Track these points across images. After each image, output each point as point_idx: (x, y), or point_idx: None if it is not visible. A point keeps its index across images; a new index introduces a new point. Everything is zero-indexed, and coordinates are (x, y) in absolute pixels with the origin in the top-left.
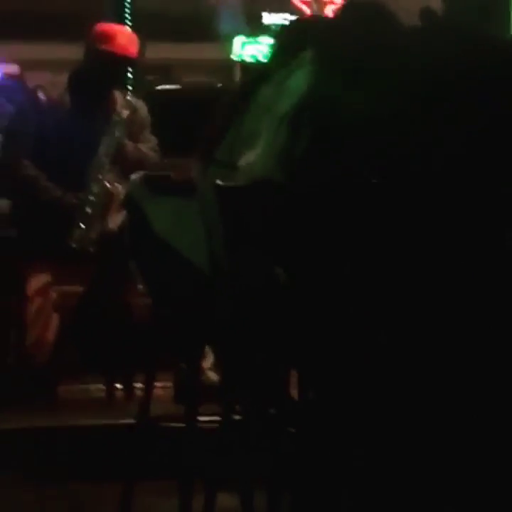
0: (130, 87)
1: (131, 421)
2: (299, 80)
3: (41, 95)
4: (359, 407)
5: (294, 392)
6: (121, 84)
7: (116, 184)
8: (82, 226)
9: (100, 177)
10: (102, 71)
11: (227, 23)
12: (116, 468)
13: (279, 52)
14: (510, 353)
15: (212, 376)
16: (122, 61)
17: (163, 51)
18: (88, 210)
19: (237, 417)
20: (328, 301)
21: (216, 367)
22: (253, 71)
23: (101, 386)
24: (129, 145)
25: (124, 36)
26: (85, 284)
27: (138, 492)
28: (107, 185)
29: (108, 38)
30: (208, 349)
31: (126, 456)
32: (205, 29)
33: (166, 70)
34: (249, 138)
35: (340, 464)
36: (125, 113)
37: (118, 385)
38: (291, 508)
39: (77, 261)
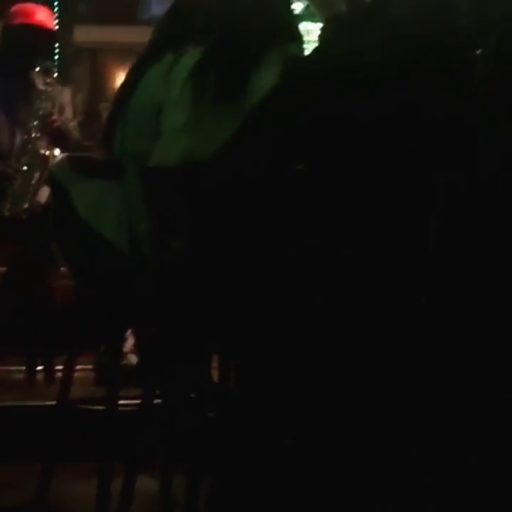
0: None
1: (52, 403)
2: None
3: None
4: (282, 393)
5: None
6: (42, 58)
7: (48, 151)
8: (14, 194)
9: (30, 145)
10: (20, 45)
11: (158, 5)
12: (36, 450)
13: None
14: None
15: (133, 359)
16: (40, 34)
17: (91, 35)
18: (19, 178)
19: (157, 401)
20: (249, 283)
21: (137, 349)
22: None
23: (21, 367)
24: (56, 115)
25: (42, 12)
26: (8, 262)
27: (57, 474)
28: (41, 151)
29: (25, 13)
30: (128, 332)
31: (46, 438)
32: (135, 11)
33: (93, 54)
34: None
35: (261, 450)
36: (48, 89)
37: (39, 367)
38: (211, 492)
39: (2, 236)
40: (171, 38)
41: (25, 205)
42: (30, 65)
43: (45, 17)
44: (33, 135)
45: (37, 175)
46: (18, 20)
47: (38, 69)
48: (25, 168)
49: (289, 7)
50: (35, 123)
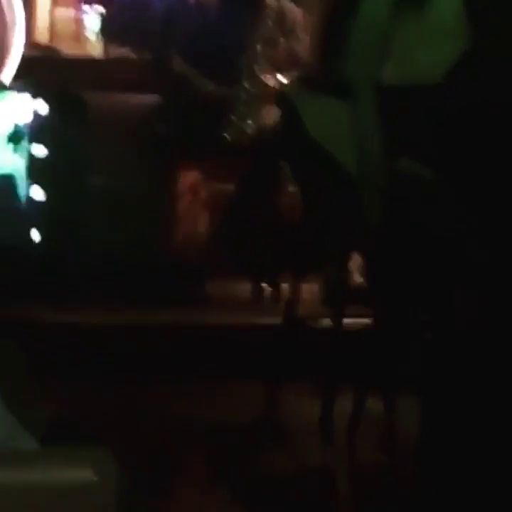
0: None
1: (278, 321)
2: None
3: None
4: None
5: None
6: None
7: (270, 76)
8: (236, 119)
9: (255, 70)
10: None
11: None
12: (262, 367)
13: None
14: None
15: (359, 278)
16: None
17: None
18: (243, 103)
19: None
20: None
21: (363, 269)
22: None
23: (249, 285)
24: (282, 41)
25: None
26: (236, 183)
27: (283, 391)
28: (262, 77)
29: None
30: None
31: (272, 355)
32: None
33: None
34: None
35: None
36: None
37: (265, 285)
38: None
39: (229, 159)
40: None
41: (249, 131)
42: None
43: None
44: (258, 61)
45: (258, 101)
46: None
47: None
48: (247, 93)
49: None
50: (258, 47)
